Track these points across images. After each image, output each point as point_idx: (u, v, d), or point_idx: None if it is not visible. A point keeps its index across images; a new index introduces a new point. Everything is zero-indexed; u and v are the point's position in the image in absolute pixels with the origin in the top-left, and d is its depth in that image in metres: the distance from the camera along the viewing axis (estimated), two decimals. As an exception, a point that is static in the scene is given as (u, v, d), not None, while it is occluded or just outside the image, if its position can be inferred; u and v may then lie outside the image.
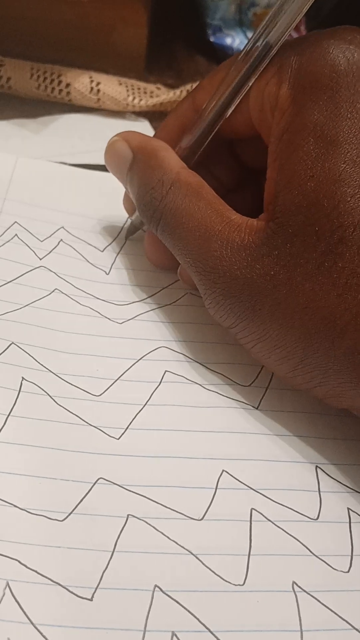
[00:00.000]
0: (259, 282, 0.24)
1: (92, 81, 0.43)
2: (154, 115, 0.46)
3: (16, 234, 0.33)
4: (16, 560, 0.21)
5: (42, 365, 0.27)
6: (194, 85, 0.45)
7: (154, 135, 0.32)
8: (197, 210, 0.26)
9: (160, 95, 0.46)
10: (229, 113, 0.28)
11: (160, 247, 0.30)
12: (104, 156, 0.32)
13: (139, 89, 0.46)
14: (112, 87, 0.44)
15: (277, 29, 0.25)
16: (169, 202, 0.27)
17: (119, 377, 0.28)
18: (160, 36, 0.52)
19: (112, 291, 0.32)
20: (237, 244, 0.25)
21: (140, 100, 0.45)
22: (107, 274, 0.33)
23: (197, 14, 0.52)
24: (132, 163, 0.30)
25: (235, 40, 0.50)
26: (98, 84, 0.44)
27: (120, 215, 0.36)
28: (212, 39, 0.51)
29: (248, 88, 0.27)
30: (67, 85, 0.43)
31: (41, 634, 0.20)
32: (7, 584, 0.20)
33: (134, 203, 0.30)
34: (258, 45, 0.26)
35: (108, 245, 0.35)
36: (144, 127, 0.45)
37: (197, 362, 0.29)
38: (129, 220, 0.35)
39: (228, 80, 0.27)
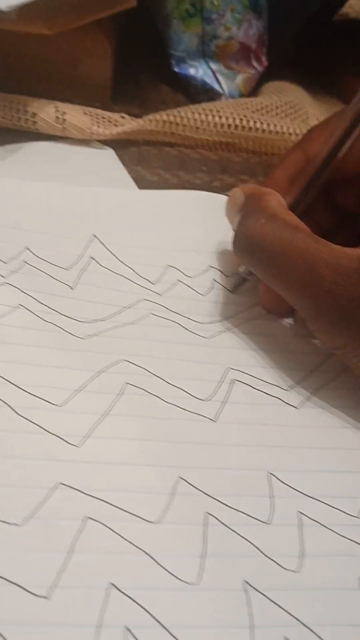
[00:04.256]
0: None
1: (57, 110, 0.45)
2: (119, 143, 0.47)
3: None
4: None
5: (2, 377, 0.28)
6: (157, 114, 0.47)
7: (262, 184, 0.34)
8: (298, 240, 0.28)
9: (125, 124, 0.47)
10: (340, 157, 0.30)
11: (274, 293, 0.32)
12: (225, 206, 0.34)
13: (103, 118, 0.47)
14: (77, 116, 0.46)
15: None
16: (265, 233, 0.29)
17: (81, 388, 0.29)
18: (126, 67, 0.54)
19: (76, 308, 0.33)
20: (350, 268, 0.26)
21: (105, 129, 0.46)
22: (73, 289, 0.34)
23: (161, 45, 0.53)
24: (242, 205, 0.32)
25: (199, 70, 0.52)
26: (63, 113, 0.45)
27: (85, 232, 0.37)
28: (176, 70, 0.53)
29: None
30: (34, 114, 0.44)
31: (-2, 632, 0.20)
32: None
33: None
34: None
35: (75, 264, 0.35)
36: (109, 155, 0.46)
37: (157, 376, 0.30)
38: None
39: (341, 126, 0.29)
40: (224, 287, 0.37)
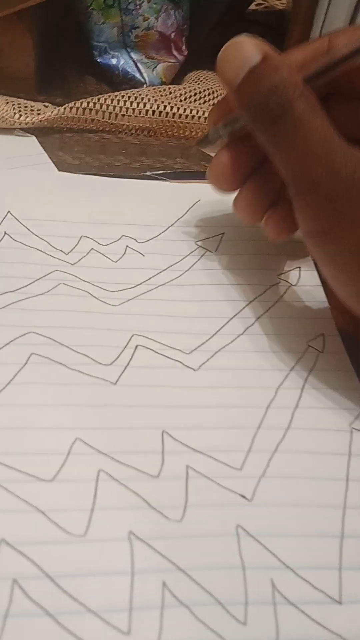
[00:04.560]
0: None
1: (-23, 100, 0.46)
2: (41, 131, 0.48)
3: None
4: None
5: None
6: (79, 102, 0.48)
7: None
8: (322, 122, 0.27)
9: (47, 112, 0.48)
10: None
11: (229, 168, 0.32)
12: (222, 51, 0.30)
13: (26, 107, 0.48)
14: (-1, 105, 0.47)
15: None
16: (298, 105, 0.27)
17: (-17, 361, 0.30)
18: (50, 58, 0.55)
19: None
20: None
21: (27, 117, 0.47)
22: None
23: (84, 36, 0.54)
24: (260, 64, 0.29)
25: (120, 60, 0.53)
26: (-16, 103, 0.46)
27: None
28: (98, 60, 0.54)
29: None
30: None
31: None
32: None
33: (247, 99, 0.29)
34: None
35: None
36: (31, 142, 0.47)
37: (63, 345, 0.31)
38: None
39: None
40: (137, 251, 0.38)
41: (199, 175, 0.44)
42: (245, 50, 0.29)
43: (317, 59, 0.31)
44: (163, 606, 0.22)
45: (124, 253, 0.37)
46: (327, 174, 0.27)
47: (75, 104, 0.48)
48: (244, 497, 0.26)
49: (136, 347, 0.32)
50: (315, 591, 0.23)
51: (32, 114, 0.48)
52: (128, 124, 0.49)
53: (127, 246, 0.38)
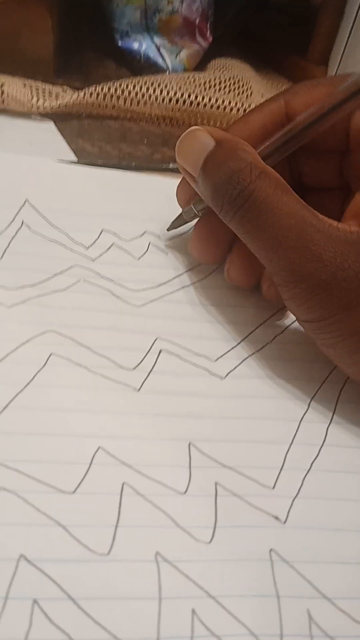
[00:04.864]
0: None
1: (-6, 82, 0.44)
2: (59, 116, 0.46)
3: None
4: None
5: None
6: (99, 86, 0.46)
7: (233, 125, 0.33)
8: (289, 201, 0.26)
9: (66, 97, 0.46)
10: (324, 128, 0.29)
11: (210, 241, 0.32)
12: (179, 143, 0.31)
13: (44, 90, 0.46)
14: (16, 88, 0.45)
15: None
16: (258, 187, 0.27)
17: (3, 359, 0.28)
18: (70, 41, 0.53)
19: (3, 275, 0.32)
20: (341, 238, 0.25)
21: (45, 101, 0.45)
22: (0, 259, 0.33)
23: (105, 19, 0.52)
24: (215, 150, 0.29)
25: (143, 44, 0.51)
26: (2, 85, 0.44)
27: (17, 198, 0.36)
28: (119, 44, 0.52)
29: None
30: (-30, 86, 0.43)
31: None
32: None
33: (208, 189, 0.29)
34: None
35: (3, 231, 0.35)
36: (49, 128, 0.45)
37: (84, 346, 0.30)
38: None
39: (337, 96, 0.28)
40: (160, 249, 0.36)
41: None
42: (199, 138, 0.29)
43: (276, 123, 0.31)
44: (192, 636, 0.21)
45: (147, 250, 0.36)
46: (306, 262, 0.25)
47: (95, 88, 0.46)
48: (277, 518, 0.25)
49: (160, 351, 0.30)
50: (355, 624, 0.22)
51: (50, 98, 0.46)
52: (150, 111, 0.47)
53: (149, 243, 0.36)
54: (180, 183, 0.34)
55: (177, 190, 0.34)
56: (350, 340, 0.26)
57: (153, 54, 0.51)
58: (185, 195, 0.34)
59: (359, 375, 0.28)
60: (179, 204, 0.35)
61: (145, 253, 0.35)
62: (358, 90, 0.27)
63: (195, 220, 0.34)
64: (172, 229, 0.36)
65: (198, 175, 0.30)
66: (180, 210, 0.35)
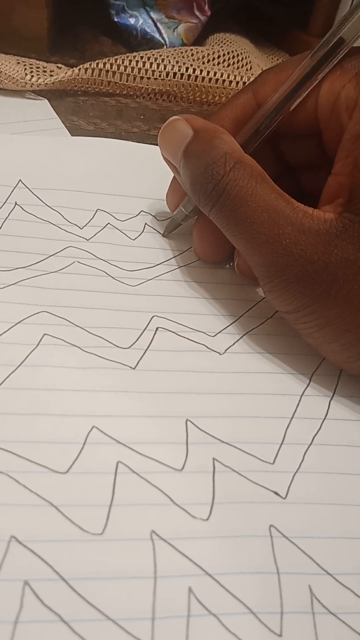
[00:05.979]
0: (338, 267, 0.24)
1: (-13, 59, 0.43)
2: (54, 94, 0.46)
3: None
4: None
5: None
6: (95, 62, 0.45)
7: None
8: (263, 192, 0.26)
9: (60, 73, 0.45)
10: (293, 106, 0.28)
11: (211, 240, 0.31)
12: (160, 134, 0.31)
13: (38, 68, 0.45)
14: (10, 66, 0.44)
15: (353, 25, 0.26)
16: (232, 180, 0.27)
17: (-5, 339, 0.27)
18: (64, 17, 0.52)
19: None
20: (312, 229, 0.25)
21: (39, 78, 0.45)
22: None
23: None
24: (192, 140, 0.29)
25: (139, 20, 0.50)
26: (-6, 62, 0.43)
27: (9, 178, 0.35)
28: (115, 19, 0.51)
29: (317, 82, 0.27)
30: None
31: None
32: None
33: (187, 182, 0.29)
34: (331, 41, 0.26)
35: None
36: (44, 106, 0.44)
37: (77, 326, 0.29)
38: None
39: (298, 72, 0.27)
40: (156, 230, 0.35)
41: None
42: (178, 128, 0.29)
43: (248, 115, 0.30)
44: (189, 615, 0.20)
45: (143, 231, 0.35)
46: (278, 256, 0.26)
47: (90, 64, 0.45)
48: (277, 494, 0.24)
49: (157, 329, 0.29)
50: (358, 599, 0.21)
51: (45, 75, 0.45)
52: (147, 87, 0.46)
53: (145, 223, 0.35)
54: (169, 188, 0.34)
55: (166, 195, 0.34)
56: (326, 330, 0.26)
57: (150, 29, 0.50)
58: (175, 199, 0.34)
59: (340, 364, 0.28)
60: (169, 208, 0.35)
61: (140, 234, 0.35)
62: (320, 61, 0.27)
63: (190, 220, 0.33)
64: (168, 233, 0.35)
65: (179, 166, 0.29)
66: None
